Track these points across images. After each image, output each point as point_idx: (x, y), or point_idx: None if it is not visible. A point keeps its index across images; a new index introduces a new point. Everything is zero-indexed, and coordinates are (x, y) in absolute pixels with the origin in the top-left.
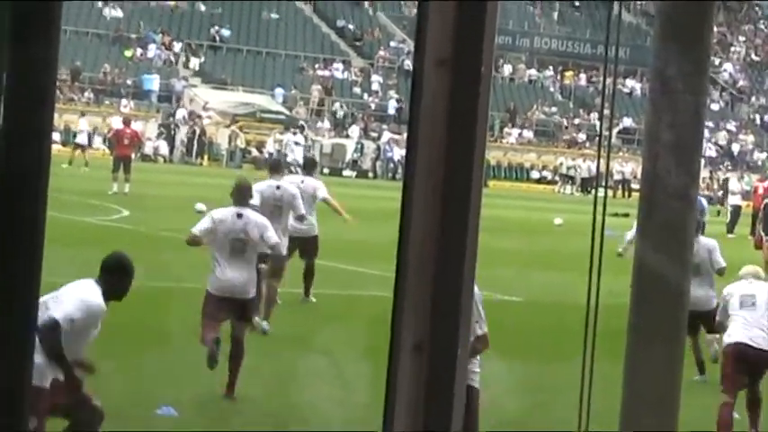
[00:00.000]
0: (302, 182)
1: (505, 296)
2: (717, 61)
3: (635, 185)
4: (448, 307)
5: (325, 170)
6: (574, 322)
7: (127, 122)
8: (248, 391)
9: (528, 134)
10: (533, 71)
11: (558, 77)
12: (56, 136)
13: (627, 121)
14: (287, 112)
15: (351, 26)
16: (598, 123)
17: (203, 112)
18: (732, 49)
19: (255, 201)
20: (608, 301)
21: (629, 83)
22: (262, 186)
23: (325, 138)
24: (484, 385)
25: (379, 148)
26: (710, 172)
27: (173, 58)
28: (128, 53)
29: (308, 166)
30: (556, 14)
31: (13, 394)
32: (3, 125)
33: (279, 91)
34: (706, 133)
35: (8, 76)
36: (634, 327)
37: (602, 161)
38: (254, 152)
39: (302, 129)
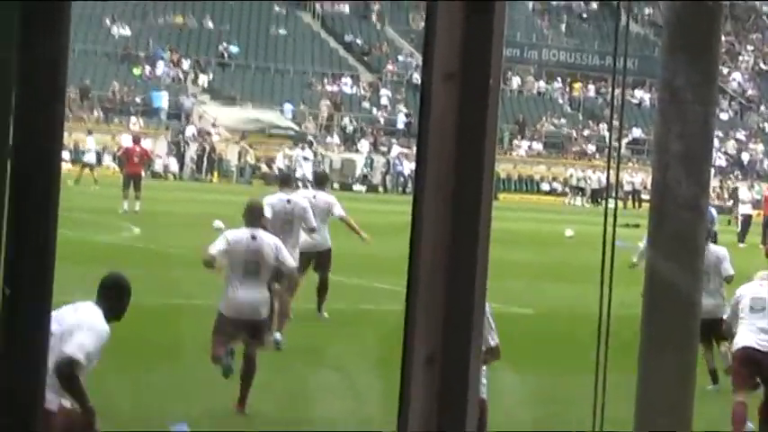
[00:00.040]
0: (314, 197)
1: (517, 308)
2: (725, 71)
3: (645, 196)
4: (460, 319)
5: (336, 185)
6: (586, 334)
7: (136, 140)
8: (260, 407)
9: (537, 146)
10: (542, 83)
11: (567, 89)
12: (65, 154)
13: (636, 132)
14: (296, 128)
15: (359, 41)
16: (607, 134)
17: (212, 128)
18: (740, 58)
19: (267, 213)
20: (619, 312)
21: (638, 93)
22: (273, 200)
23: (334, 153)
24: (498, 397)
25: (388, 162)
26: (720, 181)
27: (181, 76)
28: (136, 71)
29: (320, 181)
30: (563, 26)
31: (27, 422)
32: (14, 137)
33: (288, 107)
34: (716, 143)
35: (18, 83)
36: (646, 336)
37: (612, 172)
38: (264, 168)
39: (311, 144)
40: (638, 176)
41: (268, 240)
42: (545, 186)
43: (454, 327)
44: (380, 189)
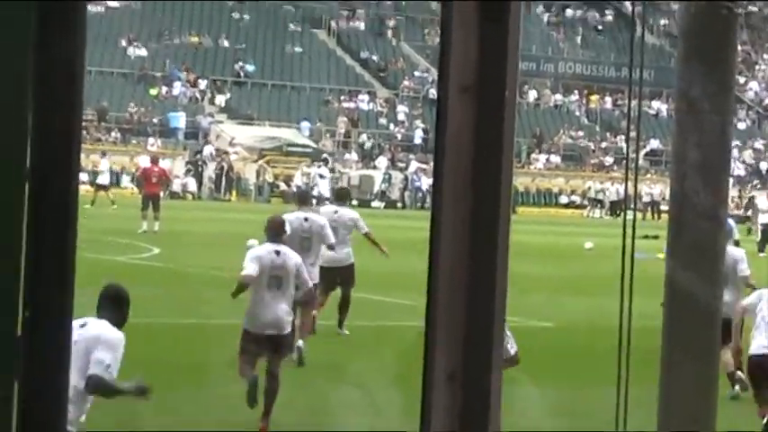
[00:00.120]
0: (336, 212)
1: (537, 322)
2: (742, 80)
3: (664, 207)
4: (480, 335)
5: (354, 202)
6: (606, 346)
7: (154, 161)
8: (282, 422)
9: (555, 159)
10: (558, 96)
11: (584, 101)
12: (83, 176)
13: (654, 143)
14: (313, 145)
15: (375, 57)
16: (625, 146)
17: (230, 147)
18: (757, 67)
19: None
20: (639, 323)
21: (655, 104)
22: (291, 218)
23: (352, 169)
24: (519, 411)
25: (406, 178)
26: (739, 191)
27: (198, 95)
28: (153, 92)
29: (342, 197)
30: (579, 39)
31: None
32: (31, 140)
33: (305, 124)
34: (734, 152)
35: (34, 83)
36: (667, 347)
37: (630, 183)
38: (282, 186)
39: (326, 162)
40: (656, 187)
41: (292, 256)
42: (563, 199)
43: (474, 344)
44: (399, 205)
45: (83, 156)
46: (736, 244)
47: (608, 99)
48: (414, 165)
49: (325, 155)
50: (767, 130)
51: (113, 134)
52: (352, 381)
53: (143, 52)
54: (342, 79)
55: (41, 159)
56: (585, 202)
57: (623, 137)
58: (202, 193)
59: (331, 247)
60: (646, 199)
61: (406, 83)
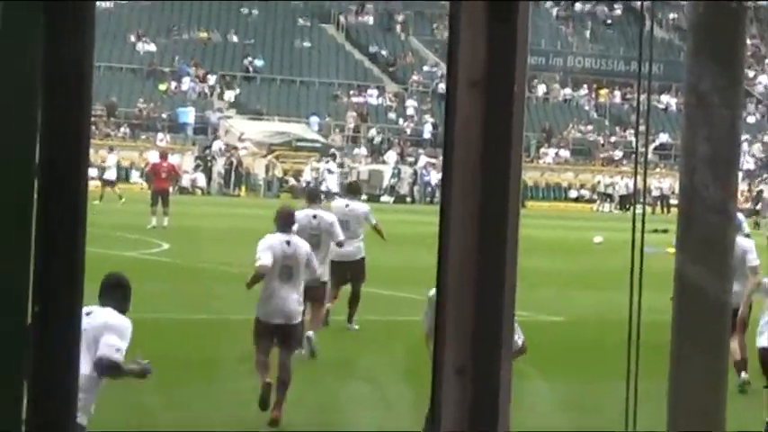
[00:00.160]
0: (347, 206)
1: (546, 316)
2: (751, 74)
3: (674, 201)
4: (489, 330)
5: (363, 196)
6: (616, 340)
7: (164, 156)
8: (291, 419)
9: (564, 153)
10: (568, 90)
11: (593, 95)
12: (92, 172)
13: (663, 137)
14: (323, 140)
15: (383, 52)
16: (634, 140)
17: (239, 143)
18: (766, 61)
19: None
20: (648, 317)
21: (664, 98)
22: (299, 215)
23: (361, 164)
24: (529, 405)
25: (415, 172)
26: (749, 184)
27: (207, 91)
28: (162, 87)
29: (354, 191)
30: (588, 33)
31: None
32: (41, 139)
33: (314, 119)
34: (743, 146)
35: (43, 82)
36: (676, 341)
37: (640, 178)
38: (292, 181)
39: (334, 157)
40: (666, 181)
41: (301, 245)
42: (573, 193)
43: (484, 338)
44: (408, 199)
45: (91, 151)
46: (747, 237)
47: (617, 93)
48: (423, 159)
49: (333, 150)
50: None
51: (122, 129)
52: (362, 376)
53: (152, 48)
54: (351, 74)
55: (50, 158)
56: (595, 197)
57: (632, 131)
58: (211, 188)
59: (340, 245)
60: (655, 193)
61: (414, 77)
